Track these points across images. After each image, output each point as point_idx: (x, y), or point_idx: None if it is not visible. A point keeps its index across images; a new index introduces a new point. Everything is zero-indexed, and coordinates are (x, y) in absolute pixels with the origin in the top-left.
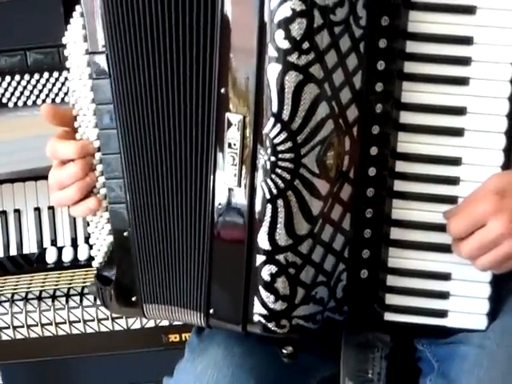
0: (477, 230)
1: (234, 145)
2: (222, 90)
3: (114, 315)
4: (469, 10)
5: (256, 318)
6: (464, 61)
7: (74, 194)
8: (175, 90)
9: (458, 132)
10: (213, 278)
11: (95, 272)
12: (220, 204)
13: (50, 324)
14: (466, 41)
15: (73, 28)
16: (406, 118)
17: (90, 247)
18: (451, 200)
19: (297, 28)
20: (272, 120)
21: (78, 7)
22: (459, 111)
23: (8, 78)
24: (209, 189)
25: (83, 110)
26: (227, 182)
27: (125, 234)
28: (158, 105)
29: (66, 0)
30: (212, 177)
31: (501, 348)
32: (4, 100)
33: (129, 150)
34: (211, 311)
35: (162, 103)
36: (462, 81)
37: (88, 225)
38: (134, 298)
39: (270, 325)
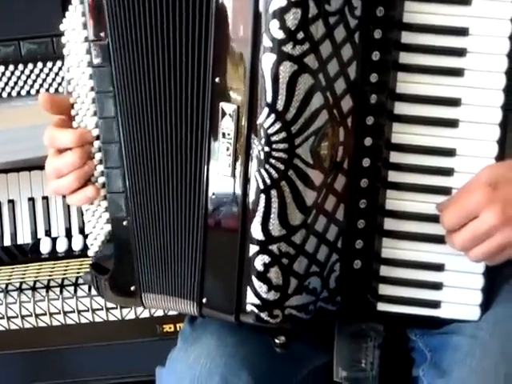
0: (469, 221)
1: (228, 134)
2: (217, 80)
3: (109, 305)
4: (464, 1)
5: (249, 307)
6: (459, 52)
7: (72, 182)
8: (171, 78)
9: (452, 123)
10: (206, 268)
11: (90, 261)
12: (214, 194)
13: (44, 314)
14: (462, 32)
15: (71, 15)
16: (401, 108)
17: (85, 237)
18: (445, 191)
19: (291, 18)
20: (266, 110)
21: None
22: (454, 102)
23: (2, 68)
24: (203, 178)
25: (81, 97)
26: (221, 172)
27: (124, 223)
28: (155, 93)
29: None
30: (206, 166)
31: (493, 338)
32: None
33: (129, 137)
34: (204, 300)
35: (160, 92)
36: (457, 72)
37: (83, 214)
38: (132, 288)
39: (262, 315)
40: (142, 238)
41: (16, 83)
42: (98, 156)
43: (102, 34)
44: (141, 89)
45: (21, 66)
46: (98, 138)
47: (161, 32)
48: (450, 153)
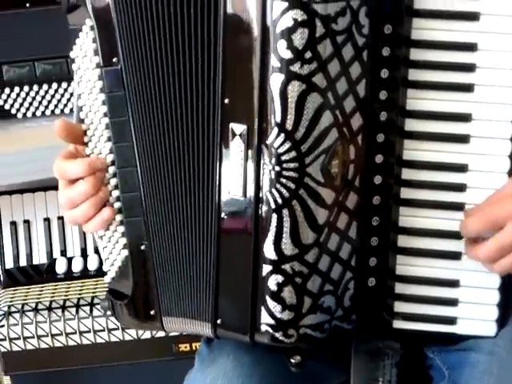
0: (494, 231)
1: (239, 155)
2: (226, 101)
3: None
4: (472, 17)
5: (263, 327)
6: (468, 67)
7: (88, 210)
8: (182, 101)
9: (463, 139)
10: (220, 288)
11: (107, 287)
12: (226, 214)
13: (61, 334)
14: (470, 47)
15: (82, 41)
16: (412, 125)
17: (100, 257)
18: (458, 207)
19: (299, 38)
20: (276, 130)
21: (87, 21)
22: (464, 118)
23: (17, 89)
24: (215, 199)
25: (94, 124)
26: (232, 192)
27: (142, 247)
28: (167, 117)
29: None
30: (218, 187)
31: (511, 355)
32: (13, 111)
33: (145, 163)
34: (219, 321)
35: (172, 115)
36: (467, 87)
37: (95, 239)
38: (152, 312)
39: (277, 334)
40: (160, 262)
41: (31, 104)
42: (114, 182)
43: (115, 60)
44: (154, 113)
45: (35, 87)
46: (113, 163)
47: (171, 54)
48: (461, 168)
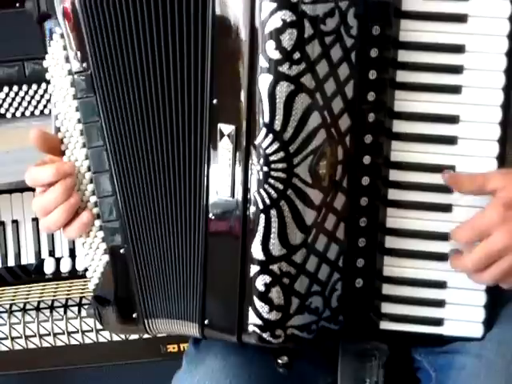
0: (481, 240)
1: (227, 155)
2: (215, 101)
3: None
4: (460, 19)
5: (251, 328)
6: (456, 69)
7: (60, 216)
8: (166, 102)
9: (451, 140)
10: (207, 289)
11: (92, 294)
12: (214, 215)
13: (49, 335)
14: (458, 49)
15: (53, 50)
16: (399, 126)
17: None
18: (445, 208)
19: (287, 38)
20: (264, 130)
21: (57, 29)
22: (452, 119)
23: (6, 89)
24: (202, 200)
25: (69, 131)
26: (220, 193)
27: (121, 251)
28: (148, 118)
29: None
30: (206, 187)
31: (498, 358)
32: (2, 111)
33: (120, 166)
34: (206, 322)
35: (153, 116)
36: (455, 89)
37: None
38: (134, 315)
39: (264, 335)
40: (142, 264)
41: (20, 104)
42: (91, 187)
43: (85, 65)
44: (133, 115)
45: (25, 87)
46: (89, 169)
47: (152, 57)
48: (449, 170)
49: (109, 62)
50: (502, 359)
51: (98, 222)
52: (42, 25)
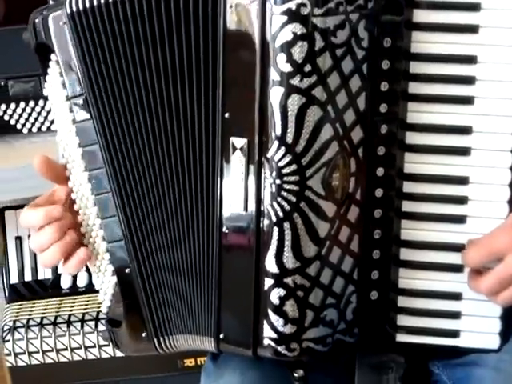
0: (494, 264)
1: (240, 168)
2: (227, 115)
3: None
4: (472, 29)
5: (266, 341)
6: (468, 80)
7: (55, 254)
8: (177, 118)
9: (464, 151)
10: (222, 303)
11: (105, 317)
12: (227, 228)
13: (66, 349)
14: (470, 60)
15: (50, 77)
16: (412, 138)
17: None
18: (460, 219)
19: (298, 51)
20: (276, 143)
21: (52, 56)
22: (465, 130)
23: (22, 104)
24: (216, 213)
25: (72, 156)
26: (234, 206)
27: (126, 270)
28: (155, 134)
29: None
30: (219, 201)
31: None
32: (18, 126)
33: (122, 187)
34: (221, 336)
35: (163, 132)
36: (467, 100)
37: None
38: (144, 334)
39: (280, 348)
40: (150, 282)
41: (36, 119)
42: (95, 210)
43: (79, 89)
44: (135, 133)
45: (41, 102)
46: (92, 192)
47: (158, 72)
48: (463, 181)
49: (103, 83)
50: None
51: (104, 244)
52: (40, 55)
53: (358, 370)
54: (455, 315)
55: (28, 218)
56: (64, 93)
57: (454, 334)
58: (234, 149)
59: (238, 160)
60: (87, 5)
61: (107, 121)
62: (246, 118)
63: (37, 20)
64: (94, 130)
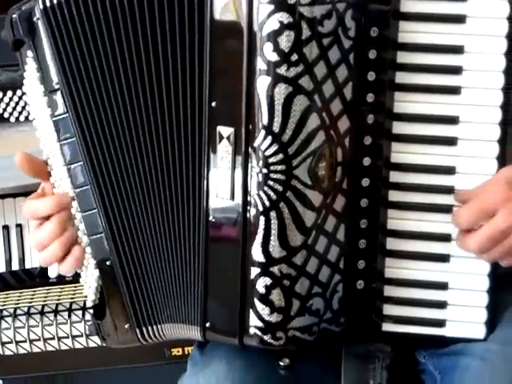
0: (485, 221)
1: (226, 158)
2: (213, 104)
3: None
4: (459, 19)
5: (252, 330)
6: (455, 70)
7: (57, 251)
8: (168, 106)
9: (451, 141)
10: (209, 292)
11: (91, 311)
12: (214, 217)
13: (53, 338)
14: (457, 50)
15: (28, 74)
16: (399, 128)
17: None
18: (446, 209)
19: (285, 40)
20: (263, 132)
21: (29, 52)
22: (452, 120)
23: (10, 93)
24: (202, 203)
25: (52, 152)
26: (220, 195)
27: (107, 263)
28: (140, 124)
29: None
30: (205, 190)
31: (502, 360)
32: (5, 115)
33: (101, 179)
34: (207, 325)
35: (148, 121)
36: (454, 90)
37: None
38: (126, 326)
39: (266, 337)
40: (132, 274)
41: (24, 108)
42: (75, 204)
43: (55, 84)
44: (115, 125)
45: None
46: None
47: (154, 60)
48: (449, 171)
49: (80, 77)
50: (506, 361)
51: (85, 238)
52: (18, 51)
53: (345, 359)
54: (441, 305)
55: (36, 207)
56: (41, 88)
57: (440, 323)
58: (221, 138)
59: (224, 149)
60: (57, 0)
61: (84, 114)
62: (232, 107)
63: (14, 16)
64: (71, 124)
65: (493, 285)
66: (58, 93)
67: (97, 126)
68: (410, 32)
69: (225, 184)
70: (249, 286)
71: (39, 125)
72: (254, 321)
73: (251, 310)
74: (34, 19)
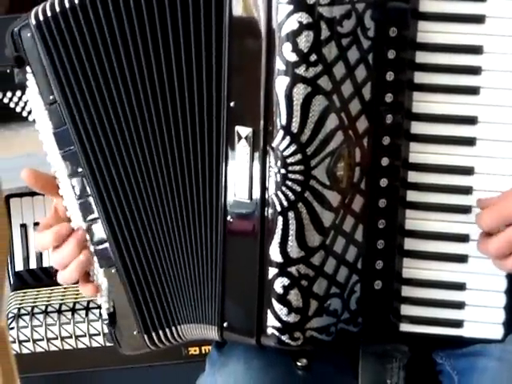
0: (506, 227)
1: (244, 158)
2: (232, 104)
3: None
4: (478, 19)
5: (270, 330)
6: (474, 70)
7: (73, 273)
8: (186, 106)
9: (469, 141)
10: (226, 292)
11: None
12: (232, 217)
13: (70, 337)
14: (476, 50)
15: (29, 89)
16: (418, 128)
17: None
18: (464, 209)
19: (304, 40)
20: (281, 132)
21: (27, 68)
22: (471, 121)
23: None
24: (220, 202)
25: (56, 164)
26: (238, 195)
27: (112, 271)
28: (157, 123)
29: None
30: (223, 190)
31: None
32: (24, 113)
33: (104, 191)
34: (225, 324)
35: (164, 121)
36: (473, 90)
37: None
38: (135, 332)
39: (283, 337)
40: (141, 279)
41: None
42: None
43: (51, 97)
44: (121, 131)
45: None
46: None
47: (175, 60)
48: (468, 171)
49: (79, 87)
50: None
51: (91, 247)
52: (19, 67)
53: (362, 359)
54: (459, 305)
55: (41, 241)
56: (41, 102)
57: (458, 324)
58: (239, 138)
59: (242, 149)
60: (50, 13)
61: (83, 125)
62: (251, 107)
63: (13, 31)
64: (68, 135)
65: (511, 285)
66: (54, 105)
67: (99, 134)
68: (428, 32)
69: (243, 184)
70: (267, 286)
71: (44, 139)
72: (271, 321)
73: (269, 311)
74: (29, 35)
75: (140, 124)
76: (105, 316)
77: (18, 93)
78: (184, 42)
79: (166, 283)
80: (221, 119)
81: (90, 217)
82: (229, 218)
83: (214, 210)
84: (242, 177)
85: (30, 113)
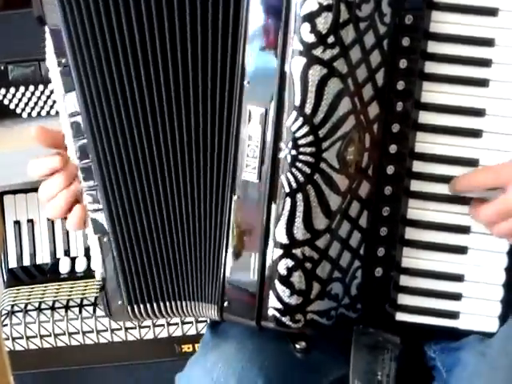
0: (498, 195)
1: (255, 137)
2: (245, 82)
3: (128, 325)
4: (491, 12)
5: (271, 311)
6: (485, 62)
7: (62, 202)
8: (198, 83)
9: (476, 133)
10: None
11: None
12: (239, 197)
13: (64, 334)
14: (488, 42)
15: (47, 49)
16: (425, 118)
17: None
18: (467, 201)
19: (323, 22)
20: (294, 113)
21: (46, 27)
22: (478, 113)
23: (22, 89)
24: (228, 181)
25: (64, 125)
26: (247, 175)
27: (104, 239)
28: (165, 103)
29: None
30: (231, 170)
31: (501, 355)
32: (18, 110)
33: (108, 155)
34: (225, 304)
35: (186, 97)
36: (482, 82)
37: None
38: (119, 302)
39: (284, 319)
40: (125, 250)
41: (36, 103)
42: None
43: (63, 60)
44: (134, 107)
45: (41, 87)
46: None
47: (190, 37)
48: (473, 163)
49: (88, 52)
50: (506, 356)
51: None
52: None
53: (354, 349)
54: (456, 296)
55: (32, 168)
56: (56, 63)
57: (454, 315)
58: (251, 117)
59: (254, 128)
60: None
61: (96, 91)
62: (264, 86)
63: None
64: (75, 98)
65: (509, 279)
66: (66, 67)
67: (110, 103)
68: (441, 22)
69: (252, 164)
70: (270, 267)
71: (57, 99)
72: (273, 302)
73: (271, 292)
74: None
75: (147, 96)
76: (98, 277)
77: (12, 90)
78: (201, 16)
79: (162, 258)
80: (233, 98)
81: (89, 183)
82: (235, 197)
83: (221, 189)
84: (252, 157)
85: (23, 110)
